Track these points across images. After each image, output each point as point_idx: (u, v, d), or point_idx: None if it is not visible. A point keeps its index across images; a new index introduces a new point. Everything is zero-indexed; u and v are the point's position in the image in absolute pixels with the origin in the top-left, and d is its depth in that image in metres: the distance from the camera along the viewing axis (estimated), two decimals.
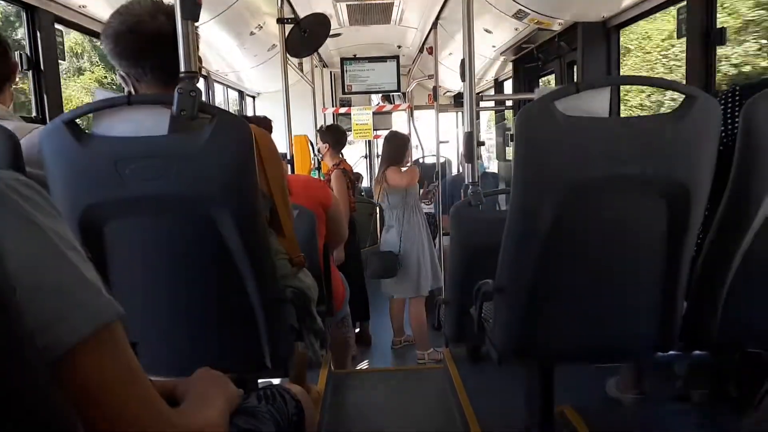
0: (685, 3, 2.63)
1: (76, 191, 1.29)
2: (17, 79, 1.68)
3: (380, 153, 4.92)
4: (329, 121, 6.32)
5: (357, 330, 4.42)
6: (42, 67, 2.43)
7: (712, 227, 1.48)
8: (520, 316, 1.51)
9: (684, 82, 2.58)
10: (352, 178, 4.33)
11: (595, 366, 2.35)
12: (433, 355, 4.13)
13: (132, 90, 1.41)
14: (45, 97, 2.45)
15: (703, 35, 2.52)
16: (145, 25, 1.34)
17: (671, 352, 1.59)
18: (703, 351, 1.60)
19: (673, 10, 2.83)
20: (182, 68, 1.34)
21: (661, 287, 1.48)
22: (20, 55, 2.31)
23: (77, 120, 1.27)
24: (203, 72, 1.55)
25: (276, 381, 1.54)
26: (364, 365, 4.26)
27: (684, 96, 1.35)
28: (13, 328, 0.51)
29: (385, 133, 6.55)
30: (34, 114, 2.46)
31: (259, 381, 1.60)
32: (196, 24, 1.42)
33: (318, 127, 5.25)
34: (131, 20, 1.34)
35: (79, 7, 2.64)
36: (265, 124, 2.76)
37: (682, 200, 1.37)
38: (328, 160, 4.32)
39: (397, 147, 4.27)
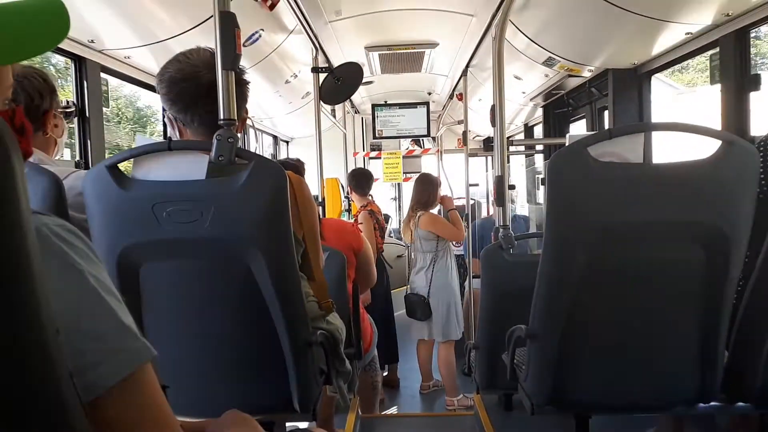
0: (718, 50, 2.62)
1: (114, 232, 1.33)
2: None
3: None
4: (359, 165, 6.41)
5: (385, 373, 4.36)
6: (87, 114, 2.54)
7: (753, 274, 1.44)
8: (554, 363, 1.48)
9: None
10: (380, 219, 4.37)
11: (633, 416, 2.27)
12: (463, 402, 4.03)
13: (177, 133, 1.45)
14: (89, 142, 2.55)
15: (737, 81, 2.50)
16: (200, 76, 1.39)
17: (712, 404, 1.53)
18: (746, 403, 1.53)
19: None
20: (221, 115, 1.39)
21: (701, 336, 1.43)
22: (67, 102, 2.42)
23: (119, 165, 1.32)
24: (249, 122, 1.60)
25: (303, 425, 1.52)
26: (392, 410, 4.18)
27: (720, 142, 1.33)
28: (56, 369, 0.52)
29: (414, 176, 6.61)
30: (77, 158, 2.56)
31: (287, 425, 1.58)
32: (245, 76, 1.47)
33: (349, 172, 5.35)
34: (188, 69, 1.40)
35: (125, 58, 2.77)
36: (298, 166, 2.82)
37: (721, 247, 1.35)
38: (356, 202, 4.42)
39: (426, 189, 4.26)
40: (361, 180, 4.48)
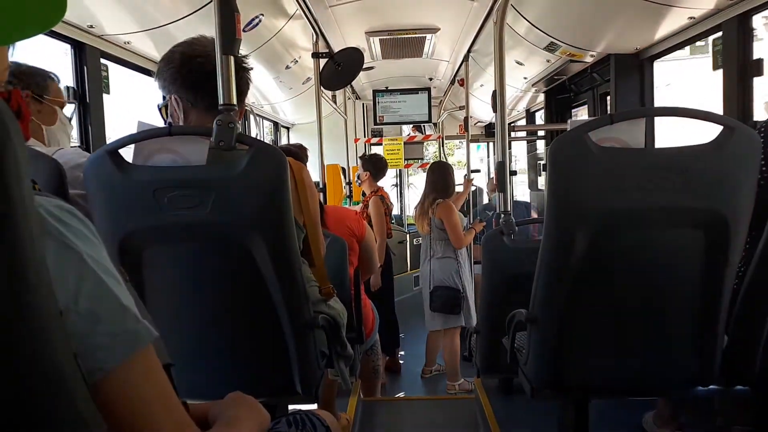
0: (720, 34, 2.61)
1: (116, 218, 1.33)
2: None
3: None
4: (360, 151, 6.40)
5: (387, 358, 4.39)
6: (87, 100, 2.53)
7: (753, 259, 1.44)
8: (554, 347, 1.49)
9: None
10: (389, 205, 4.38)
11: (632, 399, 2.29)
12: (463, 386, 4.05)
13: (182, 115, 1.45)
14: (89, 128, 2.55)
15: (739, 66, 2.49)
16: (213, 57, 1.40)
17: (711, 387, 1.54)
18: (744, 386, 1.54)
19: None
20: (221, 100, 1.39)
21: (701, 320, 1.44)
22: (67, 88, 2.42)
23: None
24: (246, 107, 1.60)
25: (306, 407, 1.54)
26: (393, 394, 4.21)
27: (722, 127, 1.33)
28: (61, 351, 0.52)
29: (416, 163, 6.59)
30: (78, 145, 2.55)
31: (290, 407, 1.60)
32: (245, 64, 1.47)
33: (361, 155, 5.34)
34: (200, 49, 1.42)
35: (125, 43, 2.76)
36: (299, 153, 2.81)
37: (721, 232, 1.35)
38: (366, 188, 4.44)
39: (442, 177, 4.14)
40: (382, 167, 4.51)
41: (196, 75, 1.41)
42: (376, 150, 6.63)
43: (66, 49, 2.50)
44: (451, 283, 4.05)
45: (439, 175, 4.16)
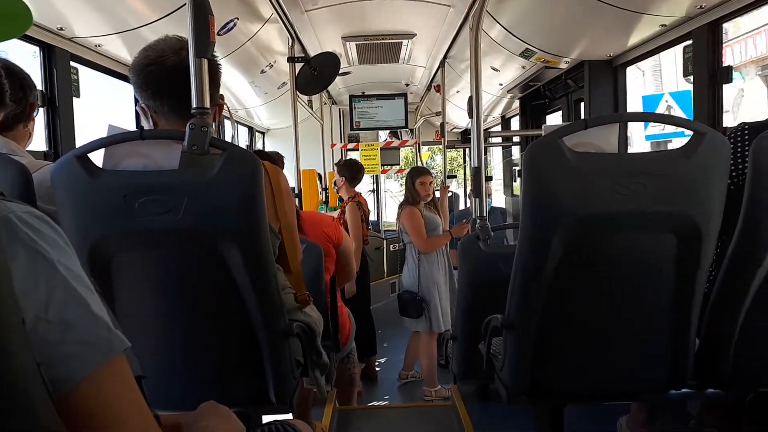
0: (690, 42, 2.66)
1: (86, 224, 1.30)
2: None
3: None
4: (337, 157, 6.38)
5: (363, 365, 4.37)
6: (57, 104, 2.48)
7: (723, 264, 1.47)
8: (529, 353, 1.49)
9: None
10: (366, 211, 4.36)
11: (606, 404, 2.30)
12: (440, 393, 4.05)
13: (151, 123, 1.43)
14: (59, 132, 2.49)
15: (709, 73, 2.54)
16: (166, 59, 1.38)
17: (683, 390, 1.56)
18: (716, 389, 1.56)
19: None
20: (194, 104, 1.36)
21: (673, 324, 1.46)
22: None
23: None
24: (225, 112, 1.57)
25: (280, 417, 1.51)
26: (369, 402, 4.19)
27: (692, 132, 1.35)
28: (19, 360, 0.50)
29: (393, 168, 6.59)
30: (45, 149, 2.49)
31: (264, 417, 1.57)
32: (219, 62, 1.45)
33: (337, 161, 5.32)
34: (153, 54, 1.39)
35: (95, 46, 2.71)
36: (276, 159, 2.79)
37: (693, 236, 1.37)
38: (343, 193, 4.42)
39: (410, 182, 4.09)
40: (358, 172, 4.48)
41: (153, 82, 1.39)
42: (353, 155, 6.63)
43: (35, 51, 2.45)
44: (411, 287, 4.07)
45: (408, 180, 4.16)
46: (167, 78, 1.38)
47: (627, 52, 3.36)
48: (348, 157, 6.02)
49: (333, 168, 5.34)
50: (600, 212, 1.36)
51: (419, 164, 6.55)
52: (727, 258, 1.45)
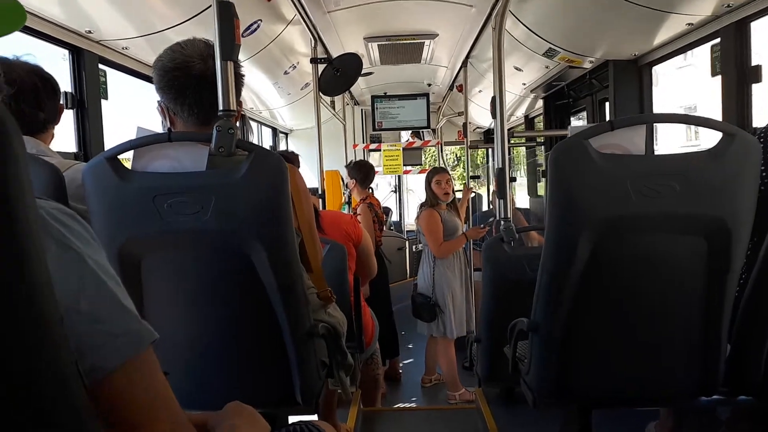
0: (719, 40, 2.61)
1: (116, 225, 1.32)
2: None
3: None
4: (359, 157, 6.39)
5: (386, 367, 4.37)
6: (86, 106, 2.52)
7: (755, 267, 1.43)
8: (556, 356, 1.48)
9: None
10: (379, 212, 4.35)
11: (634, 409, 2.27)
12: (464, 396, 4.02)
13: (168, 122, 1.44)
14: (87, 134, 2.54)
15: (738, 73, 2.49)
16: (192, 66, 1.38)
17: (714, 397, 1.53)
18: (748, 396, 1.53)
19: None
20: (221, 107, 1.37)
21: (703, 328, 1.43)
22: (65, 94, 2.41)
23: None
24: (242, 111, 1.57)
25: (306, 418, 1.52)
26: (393, 404, 4.19)
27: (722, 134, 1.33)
28: (61, 355, 0.51)
29: (415, 168, 6.58)
30: (75, 150, 2.54)
31: (290, 418, 1.58)
32: (242, 69, 1.46)
33: (346, 163, 5.31)
34: (180, 59, 1.38)
35: (123, 49, 2.75)
36: (291, 158, 2.81)
37: (723, 239, 1.34)
38: (356, 195, 4.40)
39: (427, 184, 4.07)
40: (368, 173, 4.44)
41: (176, 87, 1.39)
42: (375, 156, 6.63)
43: (64, 54, 2.50)
44: (425, 291, 4.04)
45: (425, 182, 4.12)
46: (192, 85, 1.38)
47: (652, 52, 3.31)
48: (359, 159, 5.99)
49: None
50: (627, 214, 1.34)
51: (440, 164, 6.52)
52: (759, 261, 1.42)
